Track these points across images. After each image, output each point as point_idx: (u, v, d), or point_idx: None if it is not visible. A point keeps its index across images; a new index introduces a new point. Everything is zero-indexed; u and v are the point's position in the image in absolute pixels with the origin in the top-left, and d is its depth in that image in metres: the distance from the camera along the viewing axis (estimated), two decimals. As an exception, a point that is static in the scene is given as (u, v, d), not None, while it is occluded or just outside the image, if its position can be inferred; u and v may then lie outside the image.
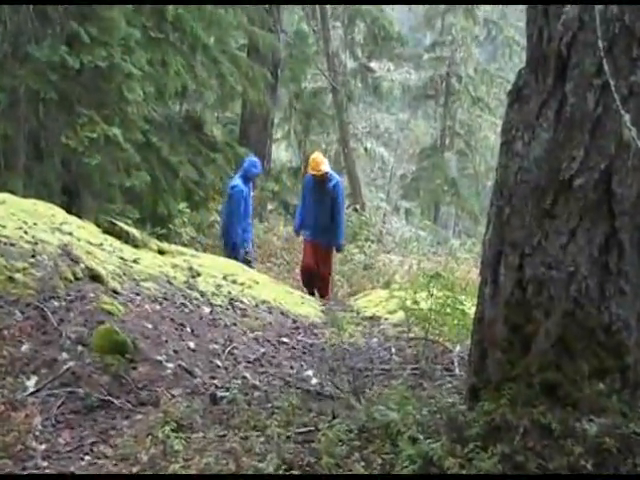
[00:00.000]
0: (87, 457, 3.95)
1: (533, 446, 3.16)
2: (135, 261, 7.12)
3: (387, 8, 22.67)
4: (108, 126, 10.72)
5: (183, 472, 3.53)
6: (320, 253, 10.00)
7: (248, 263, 10.04)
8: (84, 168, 10.88)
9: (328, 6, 20.52)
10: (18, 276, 5.53)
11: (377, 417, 3.68)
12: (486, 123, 26.77)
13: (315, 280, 10.07)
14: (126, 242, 7.93)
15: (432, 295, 5.87)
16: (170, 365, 5.07)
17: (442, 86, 26.80)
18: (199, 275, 7.66)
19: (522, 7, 4.02)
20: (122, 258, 7.03)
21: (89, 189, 11.39)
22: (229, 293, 7.34)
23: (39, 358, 4.80)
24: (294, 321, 7.30)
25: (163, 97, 13.48)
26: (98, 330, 5.05)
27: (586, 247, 3.31)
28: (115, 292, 5.97)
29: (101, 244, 7.22)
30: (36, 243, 6.14)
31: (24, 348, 4.86)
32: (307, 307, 8.18)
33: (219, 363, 5.43)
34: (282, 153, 24.99)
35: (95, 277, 6.01)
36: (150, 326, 5.57)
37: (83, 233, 7.30)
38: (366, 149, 26.23)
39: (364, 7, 21.32)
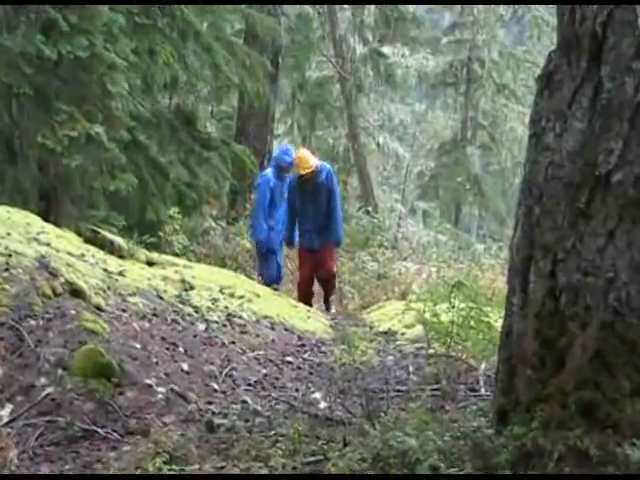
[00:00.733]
0: (69, 494, 3.95)
1: (569, 474, 3.14)
2: (121, 274, 7.13)
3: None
4: (90, 123, 10.73)
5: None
6: (321, 256, 10.08)
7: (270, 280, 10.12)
8: (63, 171, 10.90)
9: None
10: (-10, 292, 5.54)
11: (393, 444, 3.67)
12: (513, 113, 26.82)
13: (320, 277, 10.24)
14: (111, 252, 7.96)
15: (454, 307, 5.87)
16: (161, 389, 5.07)
17: (463, 72, 26.88)
18: (193, 288, 7.67)
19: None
20: (106, 270, 7.04)
21: (69, 194, 11.41)
22: (226, 308, 7.35)
23: (14, 384, 4.81)
24: (299, 338, 7.30)
25: (151, 90, 13.54)
26: (80, 351, 5.05)
27: (626, 250, 3.30)
28: (99, 309, 5.98)
29: (83, 255, 7.23)
30: (10, 255, 6.14)
31: (-2, 372, 4.87)
32: (314, 322, 8.19)
33: (216, 386, 5.43)
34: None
35: (76, 292, 6.01)
36: (138, 346, 5.57)
37: (62, 243, 7.31)
38: (378, 144, 26.24)
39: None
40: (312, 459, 3.87)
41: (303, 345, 7.08)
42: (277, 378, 5.91)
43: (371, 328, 8.32)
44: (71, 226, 9.13)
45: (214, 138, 15.59)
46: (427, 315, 6.08)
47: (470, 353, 5.93)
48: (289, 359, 6.47)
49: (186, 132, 14.79)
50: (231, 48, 14.46)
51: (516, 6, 26.95)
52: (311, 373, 6.20)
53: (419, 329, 6.76)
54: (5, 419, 4.55)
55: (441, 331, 5.96)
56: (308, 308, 9.24)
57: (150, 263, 8.31)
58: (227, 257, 13.37)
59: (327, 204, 9.95)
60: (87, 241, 8.03)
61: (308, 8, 21.22)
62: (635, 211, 3.29)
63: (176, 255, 11.31)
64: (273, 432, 4.35)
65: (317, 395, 5.46)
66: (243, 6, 15.65)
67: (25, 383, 4.82)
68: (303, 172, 9.92)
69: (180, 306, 6.93)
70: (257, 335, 6.86)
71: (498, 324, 4.28)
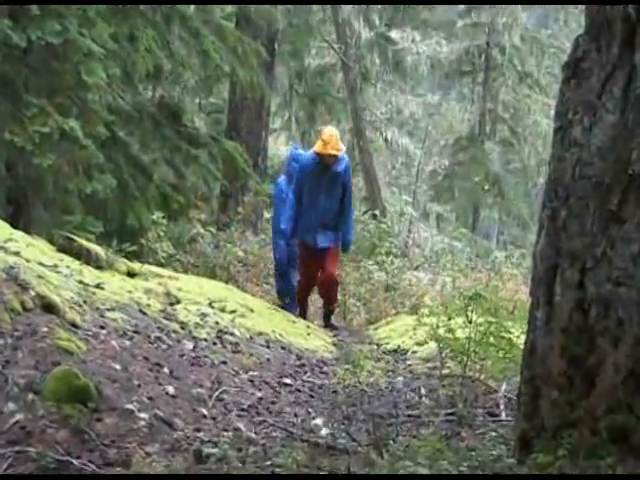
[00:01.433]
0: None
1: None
2: (98, 286, 7.14)
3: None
4: (63, 118, 10.73)
5: None
6: (323, 258, 9.80)
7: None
8: (34, 171, 10.91)
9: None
10: (-48, 307, 5.55)
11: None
12: (536, 105, 26.85)
13: (320, 285, 10.05)
14: (87, 262, 7.96)
15: (471, 321, 5.88)
16: (144, 415, 5.07)
17: (481, 60, 26.89)
18: (179, 302, 7.68)
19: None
20: (82, 283, 7.05)
21: (40, 197, 11.42)
22: (217, 324, 7.35)
23: (-20, 409, 4.80)
24: (298, 357, 7.31)
25: (131, 80, 13.54)
26: (53, 373, 5.05)
27: (663, 257, 3.31)
28: (74, 325, 5.98)
29: (56, 266, 7.24)
30: (-26, 265, 6.16)
31: (-39, 397, 4.87)
32: (314, 339, 8.20)
33: (205, 412, 5.43)
34: (281, 147, 25.06)
35: (49, 307, 6.01)
36: (118, 367, 5.57)
37: (33, 252, 7.32)
38: (386, 140, 26.27)
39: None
40: (313, 492, 3.88)
41: (302, 365, 7.09)
42: (273, 402, 5.91)
43: (378, 346, 8.33)
44: (43, 233, 9.14)
45: (202, 134, 15.59)
46: (441, 331, 6.09)
47: (489, 373, 5.94)
48: (287, 381, 6.46)
49: (171, 127, 14.78)
50: (221, 33, 14.47)
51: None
52: (311, 396, 6.20)
53: (432, 347, 6.75)
54: (-31, 449, 4.54)
55: (457, 349, 5.97)
56: (308, 324, 9.23)
57: (131, 274, 8.32)
58: (217, 267, 13.35)
59: (340, 199, 9.70)
60: (61, 250, 8.03)
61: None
62: (673, 214, 3.30)
63: (160, 265, 11.32)
64: (269, 462, 4.35)
65: (318, 421, 5.47)
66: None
67: (-9, 409, 4.82)
68: (331, 153, 9.49)
69: (165, 322, 6.93)
70: (251, 354, 6.86)
71: (520, 341, 4.29)
